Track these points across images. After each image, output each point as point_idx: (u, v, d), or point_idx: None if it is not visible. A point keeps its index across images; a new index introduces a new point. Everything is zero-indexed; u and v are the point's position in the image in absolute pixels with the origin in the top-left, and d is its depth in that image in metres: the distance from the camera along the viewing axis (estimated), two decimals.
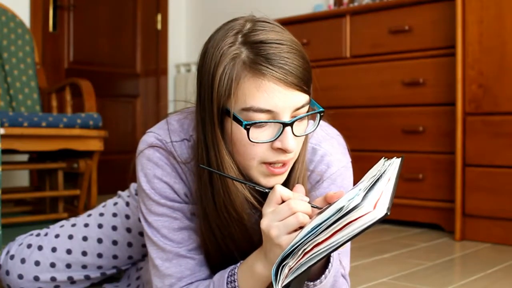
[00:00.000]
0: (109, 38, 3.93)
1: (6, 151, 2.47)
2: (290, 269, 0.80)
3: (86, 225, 1.47)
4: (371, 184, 0.78)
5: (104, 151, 2.68)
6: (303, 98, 0.91)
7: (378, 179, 0.80)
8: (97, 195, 2.71)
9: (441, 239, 2.42)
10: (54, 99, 2.94)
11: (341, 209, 0.75)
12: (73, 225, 1.48)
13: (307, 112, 0.94)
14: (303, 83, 0.91)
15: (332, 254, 0.92)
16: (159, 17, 4.20)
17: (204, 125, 0.95)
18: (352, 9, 2.92)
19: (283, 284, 0.81)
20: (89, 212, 1.52)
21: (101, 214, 1.48)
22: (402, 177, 2.66)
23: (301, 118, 0.92)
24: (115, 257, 1.46)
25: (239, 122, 0.90)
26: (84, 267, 1.46)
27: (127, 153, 3.83)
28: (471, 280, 1.74)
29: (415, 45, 2.67)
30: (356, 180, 1.15)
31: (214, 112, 0.92)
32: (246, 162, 0.94)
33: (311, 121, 0.99)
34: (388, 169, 0.83)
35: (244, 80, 0.89)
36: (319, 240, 0.77)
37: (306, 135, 0.99)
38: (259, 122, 0.89)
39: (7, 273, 1.43)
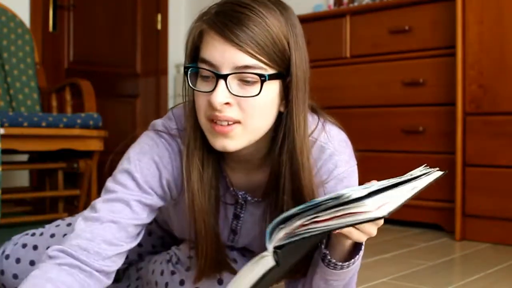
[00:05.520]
0: (109, 38, 3.92)
1: (6, 151, 2.46)
2: (285, 234, 0.83)
3: None
4: (387, 185, 0.80)
5: (104, 151, 2.67)
6: (247, 59, 0.90)
7: (399, 183, 0.81)
8: (97, 195, 2.71)
9: (441, 239, 2.42)
10: (54, 99, 2.93)
11: (341, 196, 0.78)
12: (69, 224, 1.47)
13: (262, 79, 0.91)
14: (251, 48, 0.89)
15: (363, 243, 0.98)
16: (159, 17, 4.20)
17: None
18: (352, 9, 2.92)
19: (276, 245, 0.84)
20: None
21: None
22: None
23: (248, 83, 0.91)
24: None
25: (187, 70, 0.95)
26: None
27: None
28: (471, 280, 1.74)
29: (415, 45, 2.67)
30: (360, 182, 1.16)
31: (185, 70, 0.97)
32: (200, 121, 0.96)
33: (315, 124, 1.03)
34: (422, 178, 0.84)
35: (204, 34, 0.94)
36: (319, 219, 0.80)
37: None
38: (193, 66, 0.94)
39: (2, 272, 1.43)
